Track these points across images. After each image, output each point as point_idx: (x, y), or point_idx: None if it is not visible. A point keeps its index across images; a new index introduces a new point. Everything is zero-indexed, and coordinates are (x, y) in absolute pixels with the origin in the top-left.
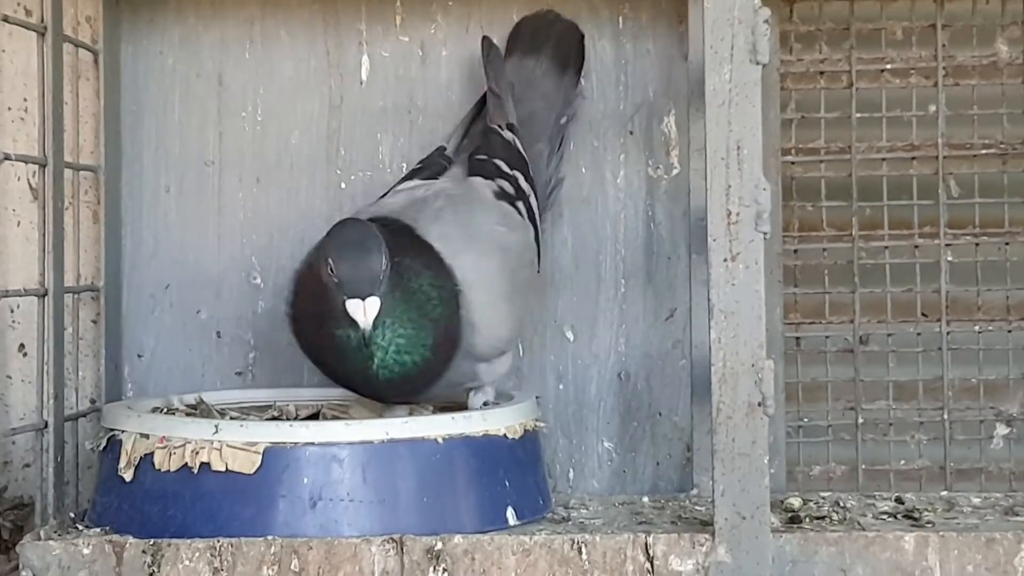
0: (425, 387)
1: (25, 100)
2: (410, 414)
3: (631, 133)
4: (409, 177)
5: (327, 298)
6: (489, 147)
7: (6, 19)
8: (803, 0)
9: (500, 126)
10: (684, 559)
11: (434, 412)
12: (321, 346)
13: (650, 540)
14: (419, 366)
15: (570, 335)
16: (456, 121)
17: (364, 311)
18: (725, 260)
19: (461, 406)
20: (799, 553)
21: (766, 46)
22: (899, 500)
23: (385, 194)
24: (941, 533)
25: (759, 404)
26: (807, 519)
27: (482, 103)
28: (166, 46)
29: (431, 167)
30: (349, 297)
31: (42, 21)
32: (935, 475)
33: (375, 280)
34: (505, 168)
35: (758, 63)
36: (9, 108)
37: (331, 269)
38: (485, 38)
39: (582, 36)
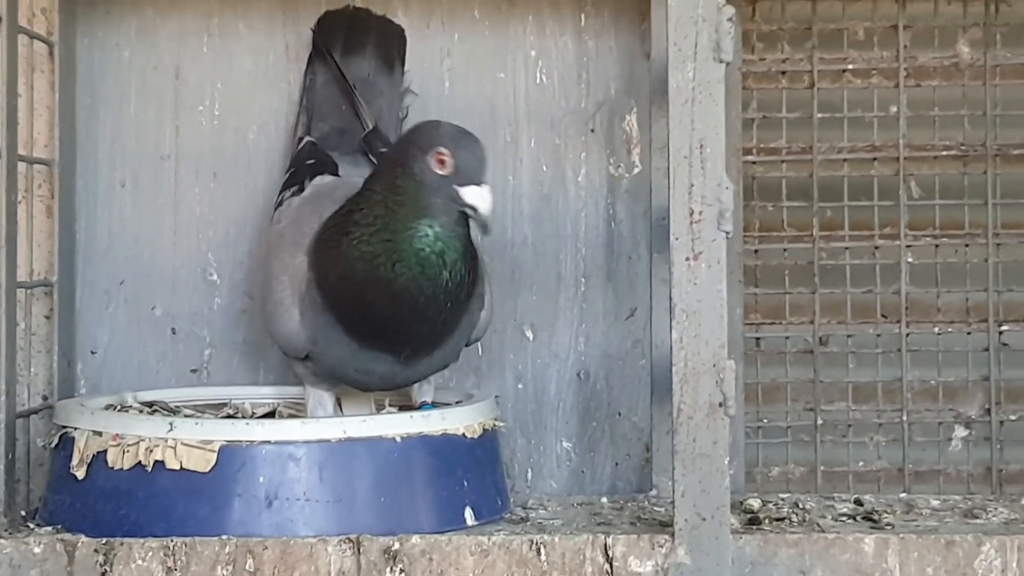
0: (447, 329)
1: None
2: (378, 411)
3: (592, 131)
4: (310, 172)
5: (420, 195)
6: (382, 143)
7: None
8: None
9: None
10: (643, 560)
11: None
12: (395, 249)
13: (609, 541)
14: (463, 293)
15: (529, 334)
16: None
17: (484, 197)
18: (687, 259)
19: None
20: (759, 555)
21: (730, 44)
22: (858, 502)
23: (297, 193)
24: (901, 535)
25: (720, 405)
26: (766, 520)
27: (308, 92)
28: (122, 38)
29: (324, 163)
30: (465, 184)
31: None
32: (893, 477)
33: (487, 168)
34: None
35: (722, 61)
36: None
37: (441, 159)
38: (315, 31)
39: (402, 30)
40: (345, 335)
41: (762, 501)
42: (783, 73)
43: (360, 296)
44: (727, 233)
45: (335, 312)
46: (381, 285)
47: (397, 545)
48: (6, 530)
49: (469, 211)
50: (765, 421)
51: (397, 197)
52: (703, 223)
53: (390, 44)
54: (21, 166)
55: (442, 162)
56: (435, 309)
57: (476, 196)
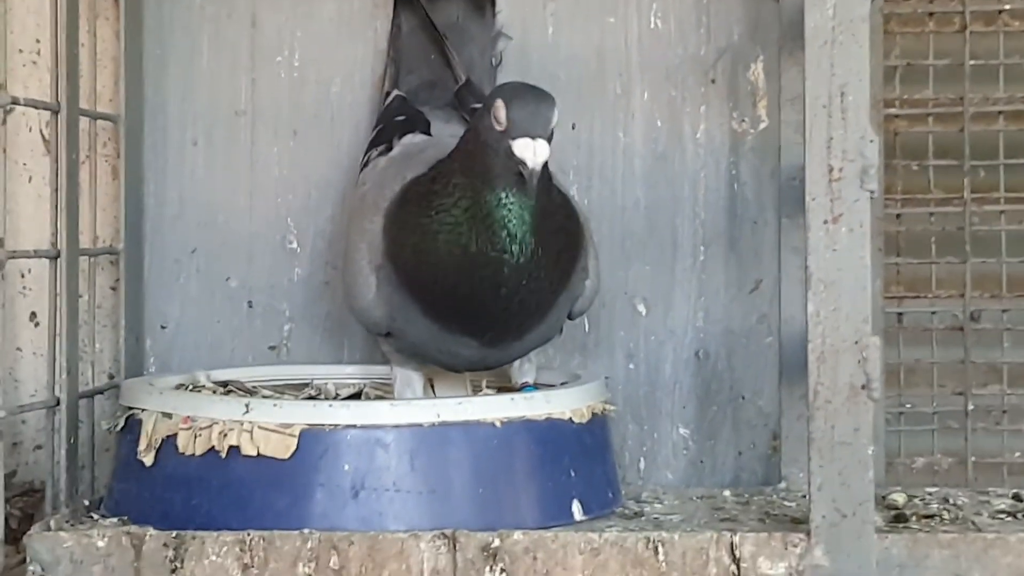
0: (532, 311)
1: (38, 42)
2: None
3: (713, 82)
4: (399, 130)
5: (484, 156)
6: (475, 98)
7: None
8: None
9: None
10: (775, 561)
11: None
12: (471, 219)
13: (736, 540)
14: (544, 267)
15: (642, 308)
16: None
17: (534, 151)
18: (825, 222)
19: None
20: (907, 557)
21: None
22: (1017, 497)
23: (385, 152)
24: None
25: (863, 387)
26: (914, 518)
27: (395, 42)
28: None
29: (415, 120)
30: (517, 137)
31: None
32: None
33: (547, 124)
34: None
35: None
36: (20, 51)
37: (496, 116)
38: None
39: None
40: (422, 315)
41: (907, 496)
42: (930, 15)
43: (431, 274)
44: (871, 193)
45: (409, 290)
46: (449, 260)
47: (497, 542)
48: (67, 521)
49: (521, 168)
50: (908, 406)
51: (468, 163)
52: (844, 181)
53: None
54: (83, 122)
55: (498, 117)
56: (508, 288)
57: (525, 148)
